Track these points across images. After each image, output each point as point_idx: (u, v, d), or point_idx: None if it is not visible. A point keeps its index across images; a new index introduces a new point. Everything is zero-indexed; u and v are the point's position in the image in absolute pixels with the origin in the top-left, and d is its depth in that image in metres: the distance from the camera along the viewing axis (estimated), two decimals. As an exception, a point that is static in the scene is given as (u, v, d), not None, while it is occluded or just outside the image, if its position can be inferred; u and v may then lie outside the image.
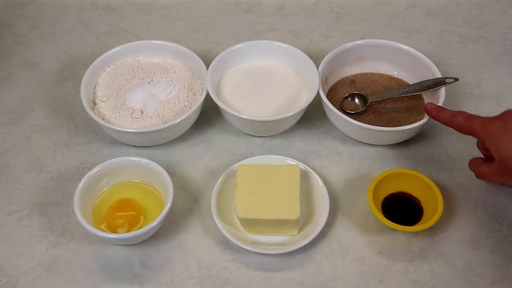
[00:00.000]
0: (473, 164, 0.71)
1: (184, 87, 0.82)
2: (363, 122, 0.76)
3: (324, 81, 0.82)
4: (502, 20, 0.99)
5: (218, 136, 0.83)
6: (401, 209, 0.73)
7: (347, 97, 0.83)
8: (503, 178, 0.63)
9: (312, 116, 0.83)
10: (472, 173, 0.77)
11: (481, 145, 0.71)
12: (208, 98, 0.79)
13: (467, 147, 0.80)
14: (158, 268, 0.70)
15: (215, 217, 0.70)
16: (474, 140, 0.82)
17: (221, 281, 0.68)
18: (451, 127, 0.70)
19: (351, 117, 0.76)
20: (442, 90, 0.78)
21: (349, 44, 0.84)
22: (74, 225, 0.73)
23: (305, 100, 0.78)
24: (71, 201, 0.72)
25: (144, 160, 0.74)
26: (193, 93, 0.82)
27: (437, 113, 0.71)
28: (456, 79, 0.77)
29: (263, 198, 0.69)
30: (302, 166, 0.75)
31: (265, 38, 0.95)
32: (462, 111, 0.69)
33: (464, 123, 0.67)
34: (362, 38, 0.94)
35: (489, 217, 0.73)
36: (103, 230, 0.69)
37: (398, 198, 0.74)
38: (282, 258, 0.70)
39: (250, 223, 0.69)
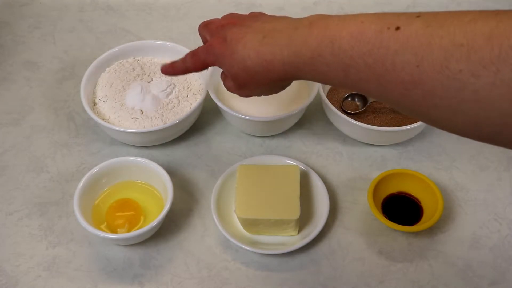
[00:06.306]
0: (222, 79, 0.66)
1: (184, 87, 0.82)
2: (363, 122, 0.76)
3: (324, 81, 0.82)
4: (502, 20, 0.98)
5: (218, 136, 0.83)
6: (401, 209, 0.73)
7: (347, 97, 0.83)
8: (242, 90, 0.61)
9: (312, 116, 0.83)
10: (472, 173, 0.78)
11: None
12: (208, 98, 0.79)
13: (467, 147, 0.80)
14: (158, 268, 0.70)
15: (215, 217, 0.70)
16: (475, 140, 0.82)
17: (221, 281, 0.68)
18: (190, 72, 0.66)
19: (351, 117, 0.76)
20: (442, 90, 0.78)
21: (349, 44, 0.84)
22: (74, 225, 0.73)
23: (305, 100, 0.78)
24: (71, 201, 0.72)
25: (144, 160, 0.74)
26: (193, 93, 0.82)
27: (173, 71, 0.66)
28: (456, 79, 0.77)
29: (263, 198, 0.69)
30: (302, 166, 0.75)
31: (265, 38, 0.94)
32: (188, 52, 0.64)
33: (194, 61, 0.63)
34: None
35: (489, 217, 0.73)
36: (103, 230, 0.69)
37: (398, 198, 0.74)
38: (282, 258, 0.70)
39: (250, 223, 0.69)
